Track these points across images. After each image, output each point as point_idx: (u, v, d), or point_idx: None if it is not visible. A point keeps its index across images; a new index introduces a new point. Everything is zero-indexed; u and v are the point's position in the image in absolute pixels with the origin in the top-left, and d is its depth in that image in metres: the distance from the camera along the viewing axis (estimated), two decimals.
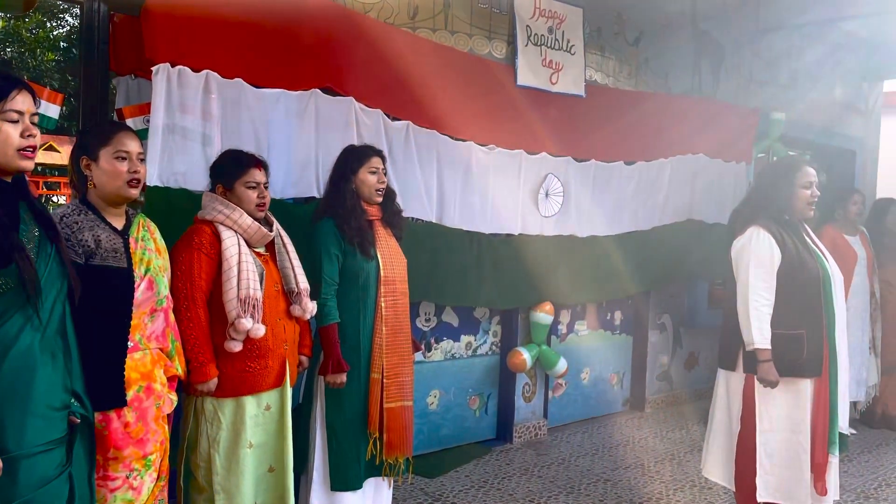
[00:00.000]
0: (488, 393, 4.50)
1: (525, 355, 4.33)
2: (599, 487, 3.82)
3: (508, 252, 4.20)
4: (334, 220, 2.79)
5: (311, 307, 2.63)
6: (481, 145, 4.03)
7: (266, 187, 2.60)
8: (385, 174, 2.92)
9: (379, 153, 2.93)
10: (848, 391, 3.38)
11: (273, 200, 2.85)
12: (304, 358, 2.76)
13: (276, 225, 2.66)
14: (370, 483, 2.90)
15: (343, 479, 2.82)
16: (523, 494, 3.67)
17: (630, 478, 3.98)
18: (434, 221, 3.84)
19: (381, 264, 2.83)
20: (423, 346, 4.07)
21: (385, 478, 2.93)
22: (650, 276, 5.06)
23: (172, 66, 2.81)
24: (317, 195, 3.22)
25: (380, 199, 2.90)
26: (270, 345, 2.50)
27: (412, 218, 3.71)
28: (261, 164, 2.59)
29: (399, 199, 3.47)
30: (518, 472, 3.99)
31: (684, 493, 3.79)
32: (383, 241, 2.89)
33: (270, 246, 2.64)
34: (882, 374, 5.08)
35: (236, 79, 3.00)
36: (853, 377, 4.74)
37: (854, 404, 4.99)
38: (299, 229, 2.91)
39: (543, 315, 4.41)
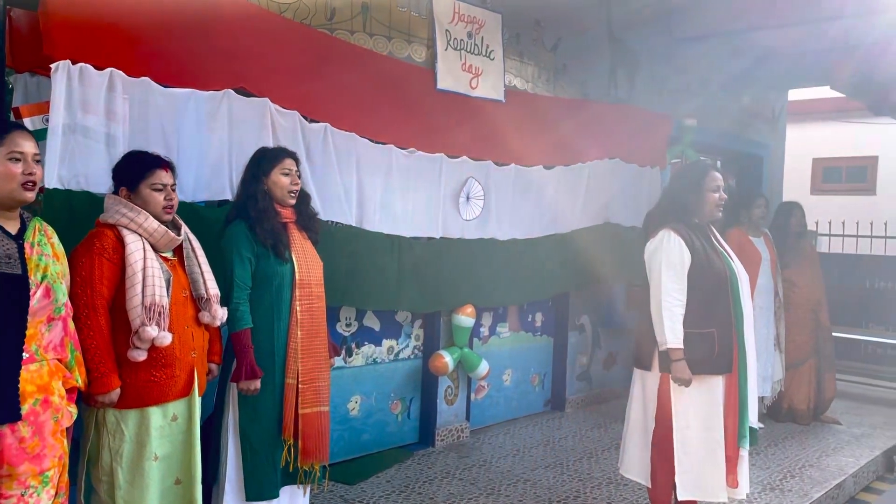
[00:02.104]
0: (410, 397, 4.48)
1: (447, 358, 4.34)
2: (519, 488, 3.86)
3: (430, 255, 4.20)
4: (246, 223, 2.73)
5: (220, 314, 2.55)
6: (402, 149, 4.02)
7: (174, 189, 2.51)
8: (299, 176, 2.87)
9: (292, 155, 2.88)
10: (756, 387, 3.53)
11: (183, 203, 2.77)
12: (213, 366, 2.67)
13: (185, 228, 2.57)
14: (285, 491, 2.84)
15: (258, 489, 2.75)
16: (444, 497, 3.67)
17: (549, 477, 4.04)
18: (354, 225, 3.80)
19: (296, 267, 2.78)
20: (342, 351, 4.02)
21: (301, 486, 2.87)
22: (569, 278, 5.17)
23: (73, 63, 2.69)
24: (230, 198, 3.14)
25: (293, 202, 2.85)
26: (177, 353, 2.41)
27: (331, 221, 3.67)
28: (167, 166, 2.50)
29: (317, 202, 3.46)
30: (440, 475, 3.99)
31: (601, 490, 3.87)
32: (298, 244, 2.84)
33: (179, 250, 2.56)
34: (786, 369, 5.33)
35: (143, 77, 2.89)
36: (760, 373, 4.95)
37: (761, 399, 5.22)
38: (211, 233, 2.83)
39: (465, 318, 4.43)
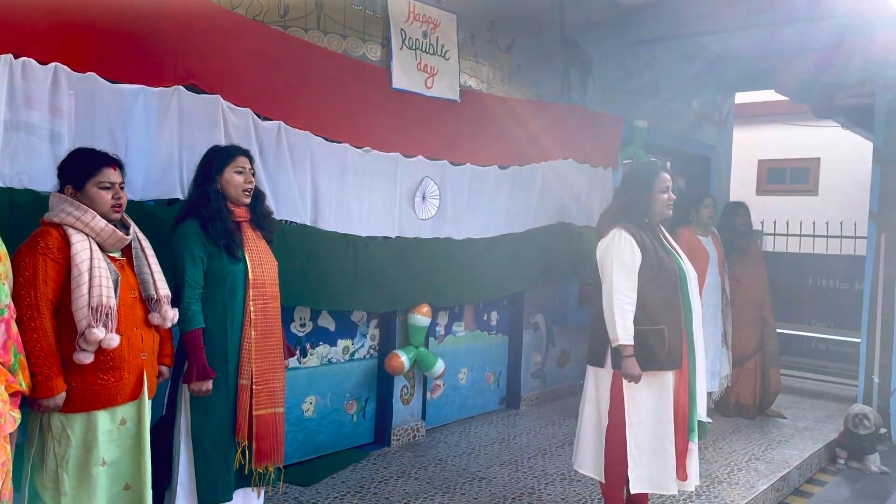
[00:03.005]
0: (366, 397, 4.47)
1: (403, 358, 4.33)
2: (475, 486, 3.88)
3: (385, 255, 4.19)
4: (198, 222, 2.68)
5: (171, 315, 2.51)
6: (357, 147, 4.00)
7: (122, 188, 2.45)
8: (253, 174, 2.84)
9: (245, 153, 2.85)
10: (705, 382, 3.63)
11: (131, 202, 2.71)
12: (164, 368, 2.62)
13: (134, 228, 2.52)
14: (238, 494, 2.80)
15: (211, 492, 2.71)
16: (400, 497, 3.67)
17: (504, 474, 4.07)
18: (308, 224, 3.77)
19: (249, 267, 2.75)
20: (297, 352, 3.99)
21: (255, 488, 2.84)
22: (524, 277, 5.22)
23: (16, 57, 2.60)
24: (181, 197, 3.08)
25: (247, 200, 2.82)
26: (126, 355, 2.35)
27: (285, 220, 3.63)
28: (116, 164, 2.44)
29: (271, 201, 3.42)
30: (395, 475, 3.99)
31: (556, 486, 3.92)
32: (252, 244, 2.81)
33: (127, 250, 2.50)
34: (733, 365, 5.48)
35: (90, 73, 2.82)
36: (708, 369, 5.08)
37: (709, 394, 5.36)
38: (162, 232, 2.77)
39: (421, 317, 4.44)
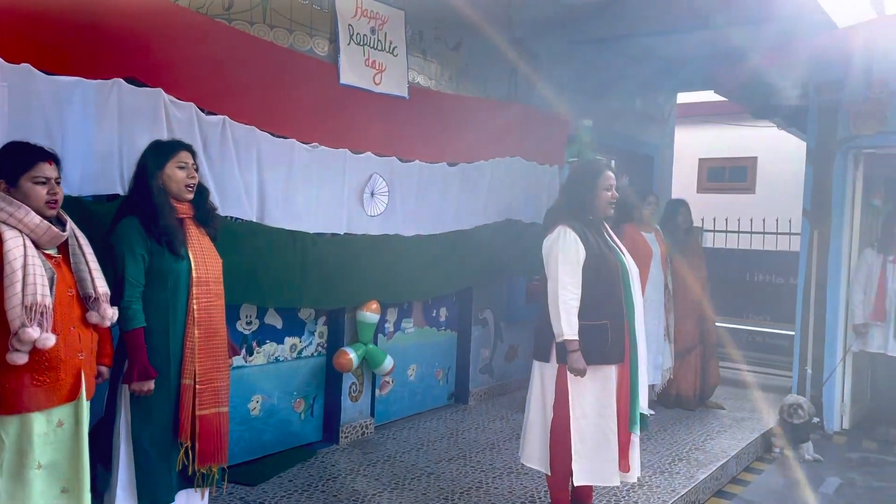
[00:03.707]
0: (314, 395, 4.44)
1: (351, 355, 4.32)
2: (423, 481, 3.90)
3: (334, 252, 4.16)
4: (139, 218, 2.62)
5: (110, 313, 2.44)
6: (304, 143, 3.97)
7: (58, 183, 2.38)
8: (196, 170, 2.79)
9: (188, 147, 2.79)
10: (646, 375, 3.72)
11: (69, 198, 2.64)
12: (103, 368, 2.55)
13: (71, 224, 2.44)
14: (181, 495, 2.75)
15: (152, 494, 2.65)
16: (348, 495, 3.66)
17: (453, 469, 4.10)
18: (255, 220, 3.72)
19: (193, 265, 2.70)
20: (241, 351, 3.93)
21: (198, 489, 2.79)
22: (472, 274, 5.26)
23: None
24: (120, 192, 3.00)
25: (189, 196, 2.76)
26: (62, 355, 2.29)
27: (231, 217, 3.58)
28: (51, 158, 2.37)
29: (216, 197, 3.36)
30: (344, 472, 3.98)
31: (503, 480, 3.97)
32: (195, 241, 2.75)
33: (64, 247, 2.42)
34: (675, 358, 5.63)
35: (24, 64, 2.72)
36: (650, 362, 5.21)
37: (652, 387, 5.49)
38: (101, 229, 2.70)
39: (370, 314, 4.43)
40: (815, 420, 5.41)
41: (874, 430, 5.65)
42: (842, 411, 5.78)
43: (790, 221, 7.64)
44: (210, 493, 2.91)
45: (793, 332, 6.08)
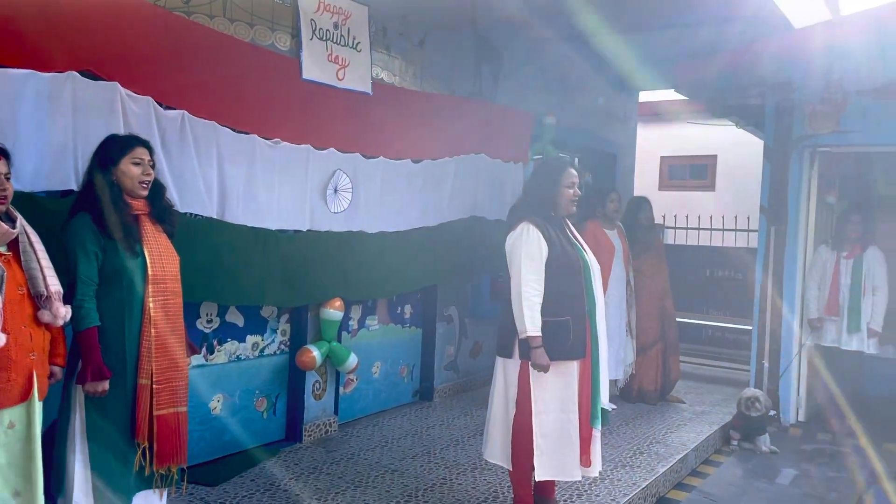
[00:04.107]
0: (276, 393, 4.39)
1: (315, 353, 4.28)
2: (387, 478, 3.89)
3: (296, 249, 4.13)
4: (92, 215, 2.56)
5: (63, 312, 2.39)
6: (266, 139, 3.92)
7: (8, 178, 2.32)
8: (152, 166, 2.73)
9: (144, 143, 2.74)
10: (608, 370, 3.77)
11: (20, 193, 2.58)
12: (56, 368, 2.49)
13: (21, 221, 2.38)
14: (139, 497, 2.71)
15: (109, 497, 2.60)
16: (311, 493, 3.63)
17: (417, 466, 4.10)
18: (215, 217, 3.67)
19: (148, 262, 2.65)
20: (199, 349, 3.86)
21: (156, 490, 2.75)
22: (437, 271, 5.26)
23: None
24: (75, 188, 2.93)
25: (144, 193, 2.71)
26: (13, 355, 2.23)
27: (190, 213, 3.52)
28: (0, 153, 2.30)
29: (174, 193, 3.32)
30: (307, 471, 3.95)
31: (466, 476, 3.98)
32: (151, 238, 2.70)
33: (14, 245, 2.36)
34: (637, 353, 5.71)
35: None
36: (613, 357, 5.29)
37: (614, 382, 5.56)
38: (54, 225, 2.64)
39: (334, 311, 4.40)
40: (772, 413, 5.53)
41: (828, 422, 5.80)
42: (797, 404, 5.92)
43: (749, 218, 7.80)
44: (169, 493, 2.87)
45: (750, 327, 6.21)
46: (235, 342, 4.11)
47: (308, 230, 4.20)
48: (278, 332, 4.39)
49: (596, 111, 7.41)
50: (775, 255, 5.93)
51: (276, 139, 3.97)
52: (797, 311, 5.85)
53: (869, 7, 5.30)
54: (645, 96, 8.62)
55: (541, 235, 3.28)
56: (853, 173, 6.61)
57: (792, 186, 5.86)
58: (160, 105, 3.35)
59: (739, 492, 4.40)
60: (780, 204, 5.91)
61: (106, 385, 2.53)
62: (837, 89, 5.63)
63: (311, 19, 4.17)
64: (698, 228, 8.36)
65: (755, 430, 5.23)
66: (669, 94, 7.65)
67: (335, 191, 4.35)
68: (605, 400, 3.43)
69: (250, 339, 4.21)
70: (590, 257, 3.43)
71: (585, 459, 3.32)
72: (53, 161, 2.93)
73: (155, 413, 2.65)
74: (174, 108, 3.43)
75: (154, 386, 2.65)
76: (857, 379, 5.85)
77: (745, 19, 5.43)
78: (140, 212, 2.71)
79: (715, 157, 10.24)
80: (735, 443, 5.29)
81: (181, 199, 3.42)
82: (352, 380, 4.92)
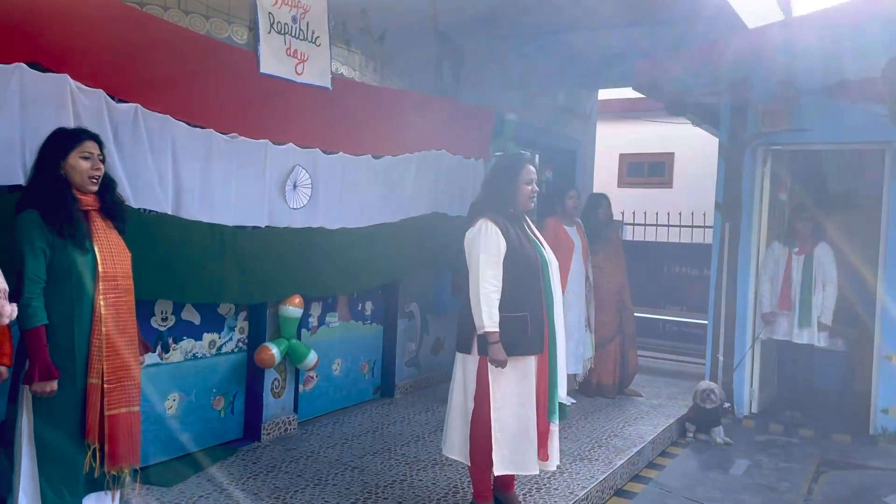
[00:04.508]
0: (234, 392, 4.34)
1: (274, 350, 4.24)
2: (347, 476, 3.87)
3: (255, 245, 4.08)
4: (39, 211, 2.49)
5: (9, 310, 2.32)
6: (222, 133, 3.86)
7: None
8: (102, 160, 2.67)
9: (93, 137, 2.67)
10: (567, 365, 3.80)
11: None
12: (2, 368, 2.43)
13: None
14: (91, 498, 2.65)
15: (58, 499, 2.54)
16: (269, 492, 3.60)
17: (377, 463, 4.09)
18: (170, 213, 3.60)
19: (99, 259, 2.59)
20: (153, 348, 3.79)
21: (108, 492, 2.69)
22: (399, 267, 5.25)
23: None
24: (23, 183, 2.84)
25: (94, 188, 2.65)
26: None
27: (144, 209, 3.45)
28: None
29: (127, 188, 3.25)
30: (265, 469, 3.91)
31: (426, 472, 3.99)
32: (101, 234, 2.64)
33: None
34: (596, 348, 5.78)
35: None
36: (572, 352, 5.34)
37: (574, 376, 5.63)
38: (1, 221, 2.56)
39: (293, 308, 4.36)
40: (726, 405, 5.65)
41: (780, 414, 5.95)
42: (750, 396, 6.06)
43: (704, 215, 7.95)
44: (122, 495, 2.81)
45: (706, 322, 6.34)
46: (192, 340, 4.05)
47: (267, 226, 4.15)
48: (236, 329, 4.33)
49: (556, 108, 7.47)
50: (730, 251, 6.05)
51: (234, 134, 3.92)
52: (750, 306, 5.99)
53: (820, 8, 5.45)
54: (605, 94, 8.72)
55: (499, 232, 3.30)
56: (805, 171, 6.78)
57: (746, 184, 5.99)
58: (112, 98, 3.27)
59: (694, 482, 4.49)
60: (734, 201, 6.04)
61: (54, 385, 2.47)
62: (789, 88, 5.76)
63: (269, 12, 4.12)
64: (656, 225, 8.49)
65: (710, 422, 5.34)
66: (629, 92, 7.75)
67: (294, 186, 4.31)
68: (562, 394, 3.46)
69: (207, 336, 4.14)
70: (548, 253, 3.45)
71: (543, 454, 3.35)
72: (0, 155, 2.84)
73: (106, 413, 2.59)
74: (127, 102, 3.35)
75: (105, 385, 2.59)
76: (807, 372, 6.01)
77: (705, 19, 5.53)
78: (90, 207, 2.65)
79: (672, 154, 10.41)
80: (691, 435, 5.39)
81: (134, 195, 3.35)
82: (312, 377, 4.88)
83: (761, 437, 5.53)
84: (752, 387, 6.06)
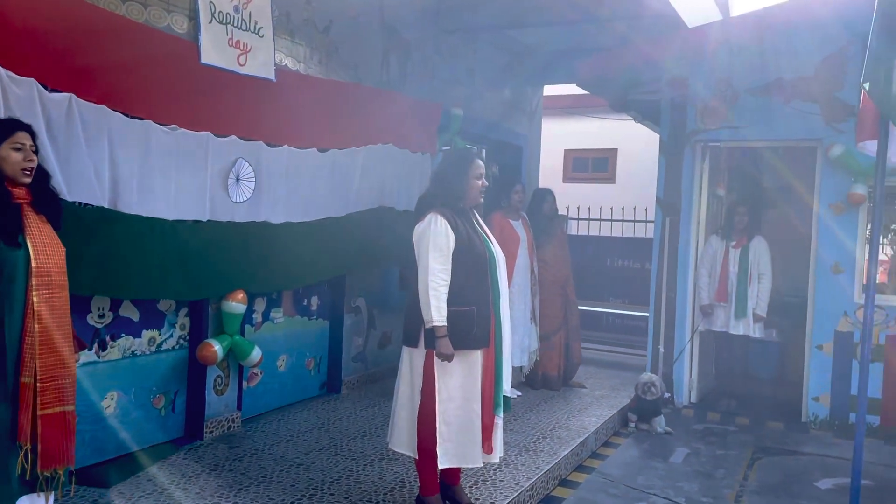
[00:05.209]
0: (175, 390, 4.24)
1: (216, 347, 4.16)
2: (292, 473, 3.83)
3: (196, 240, 3.98)
4: None
5: None
6: (162, 125, 3.76)
7: None
8: (35, 151, 2.57)
9: (25, 127, 2.57)
10: (512, 358, 3.84)
11: None
12: None
13: None
14: (24, 501, 2.55)
15: None
16: (212, 491, 3.53)
17: (323, 459, 4.06)
18: (106, 206, 3.48)
19: (31, 253, 2.49)
20: (91, 345, 3.67)
21: (41, 494, 2.60)
22: (345, 261, 5.21)
23: None
24: None
25: (27, 180, 2.55)
26: None
27: (79, 203, 3.33)
28: None
29: (61, 181, 3.14)
30: (208, 468, 3.84)
31: (374, 467, 3.98)
32: (34, 228, 2.54)
33: None
34: (541, 340, 5.85)
35: None
36: (518, 345, 5.41)
37: (520, 369, 5.69)
38: None
39: (236, 304, 4.28)
40: (667, 395, 5.81)
41: (717, 403, 6.15)
42: (690, 386, 6.24)
43: (646, 210, 8.14)
44: (56, 496, 2.72)
45: (647, 314, 6.49)
46: (130, 337, 3.93)
47: (208, 220, 4.06)
48: (177, 326, 4.23)
49: (502, 103, 7.52)
50: (670, 245, 6.21)
51: (173, 125, 3.82)
52: (689, 298, 6.16)
53: (756, 8, 5.63)
54: (550, 90, 8.81)
55: (448, 226, 3.30)
56: (741, 167, 7.00)
57: (685, 179, 6.15)
58: (45, 88, 3.15)
59: (636, 471, 4.60)
60: (674, 196, 6.19)
61: None
62: (727, 87, 5.94)
63: (210, 2, 4.02)
64: (599, 219, 8.66)
65: (651, 412, 5.48)
66: (573, 89, 7.87)
67: (237, 180, 4.23)
68: (507, 388, 3.49)
69: (146, 333, 4.03)
70: (495, 248, 3.48)
71: (487, 446, 3.37)
72: None
73: (39, 413, 2.50)
74: (61, 91, 3.23)
75: (38, 384, 2.50)
76: (743, 362, 6.22)
77: (647, 18, 5.65)
78: (22, 200, 2.55)
79: (616, 150, 10.61)
80: (632, 425, 5.52)
81: (69, 188, 3.23)
82: (256, 374, 4.81)
83: (699, 425, 5.70)
84: (691, 377, 6.24)
